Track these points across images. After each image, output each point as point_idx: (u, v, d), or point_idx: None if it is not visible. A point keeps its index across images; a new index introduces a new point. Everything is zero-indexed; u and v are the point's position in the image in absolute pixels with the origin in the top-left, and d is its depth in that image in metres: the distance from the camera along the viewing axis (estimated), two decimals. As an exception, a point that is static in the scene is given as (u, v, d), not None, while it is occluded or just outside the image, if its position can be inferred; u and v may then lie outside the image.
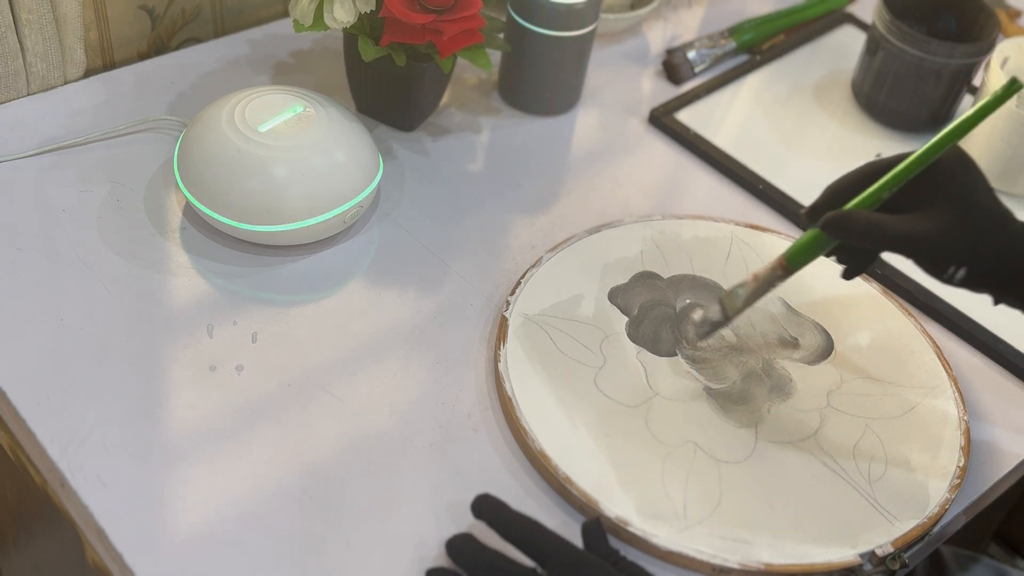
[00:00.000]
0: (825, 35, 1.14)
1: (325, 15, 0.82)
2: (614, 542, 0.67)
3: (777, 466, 0.72)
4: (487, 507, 0.63)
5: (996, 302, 0.69)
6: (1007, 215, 0.68)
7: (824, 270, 0.85)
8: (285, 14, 1.03)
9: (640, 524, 0.67)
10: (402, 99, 0.90)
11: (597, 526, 0.64)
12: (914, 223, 0.66)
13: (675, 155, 0.97)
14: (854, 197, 0.69)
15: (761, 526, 0.68)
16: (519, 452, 0.71)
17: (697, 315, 0.74)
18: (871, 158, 1.00)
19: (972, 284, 0.68)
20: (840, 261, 0.74)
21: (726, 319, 0.73)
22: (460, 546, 0.62)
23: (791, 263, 0.70)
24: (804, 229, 0.71)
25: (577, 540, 0.63)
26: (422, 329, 0.78)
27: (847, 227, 0.67)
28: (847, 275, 0.75)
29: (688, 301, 0.82)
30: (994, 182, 0.96)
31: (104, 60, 0.94)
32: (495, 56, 0.98)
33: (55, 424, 0.68)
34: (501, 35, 0.93)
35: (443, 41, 0.83)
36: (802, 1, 1.16)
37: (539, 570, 0.61)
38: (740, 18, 1.12)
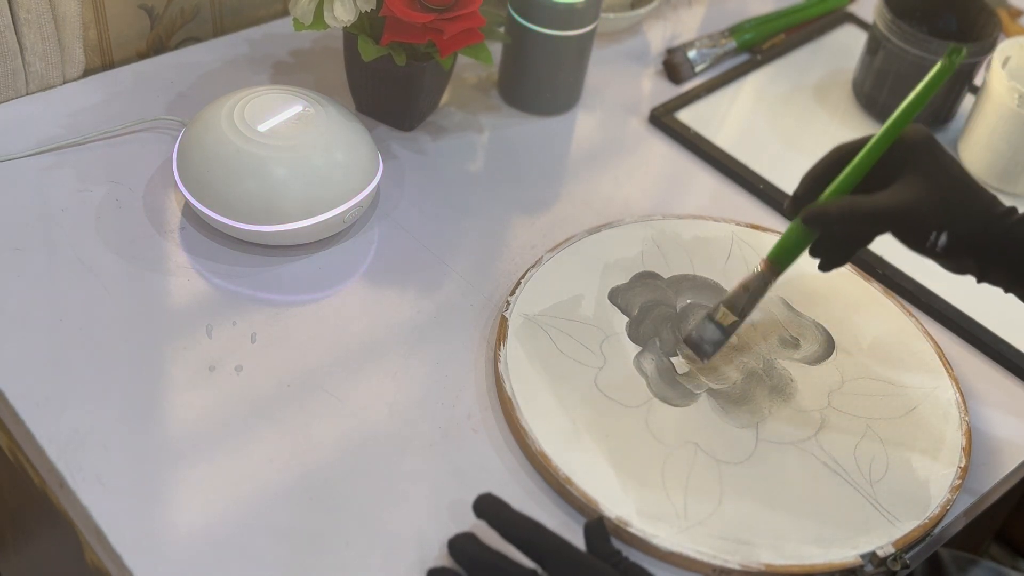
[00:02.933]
0: (826, 35, 1.13)
1: (325, 14, 0.82)
2: (615, 543, 0.67)
3: (778, 467, 0.72)
4: (488, 507, 0.63)
5: (980, 278, 0.71)
6: (974, 183, 0.69)
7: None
8: (284, 13, 1.03)
9: (640, 524, 0.67)
10: (402, 99, 0.90)
11: (600, 526, 0.64)
12: (888, 197, 0.68)
13: (675, 155, 0.96)
14: (828, 182, 0.71)
15: (762, 527, 0.68)
16: (519, 452, 0.71)
17: (695, 334, 0.74)
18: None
19: (955, 253, 0.69)
20: (815, 254, 0.75)
21: (726, 335, 0.74)
22: (462, 546, 0.62)
23: (777, 263, 0.72)
24: (790, 220, 0.73)
25: (577, 541, 0.63)
26: (422, 329, 0.78)
27: (824, 217, 0.69)
28: (823, 267, 0.75)
29: (689, 301, 0.81)
30: (994, 182, 0.97)
31: (103, 60, 0.94)
32: (496, 56, 0.98)
33: (54, 424, 0.68)
34: (502, 28, 0.93)
35: (443, 40, 0.83)
36: (802, 1, 1.16)
37: (539, 571, 0.61)
38: (740, 17, 1.12)
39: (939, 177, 0.68)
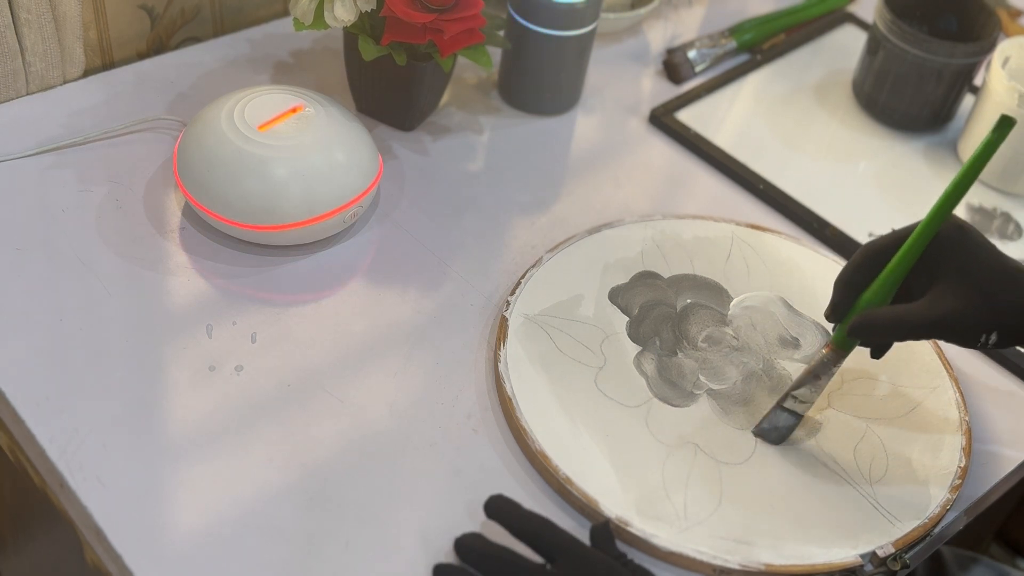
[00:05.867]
0: (826, 35, 1.13)
1: (325, 14, 0.82)
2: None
3: (778, 467, 0.72)
4: (499, 506, 0.64)
5: None
6: (1014, 268, 0.68)
7: (825, 270, 0.85)
8: (285, 13, 1.03)
9: (640, 525, 0.67)
10: (402, 99, 0.90)
11: (606, 529, 0.64)
12: (932, 308, 0.67)
13: (675, 155, 0.96)
14: (864, 284, 0.70)
15: (762, 527, 0.68)
16: (519, 452, 0.71)
17: (767, 424, 0.73)
18: (871, 158, 1.00)
19: (1006, 343, 0.68)
20: (866, 344, 0.74)
21: (798, 419, 0.73)
22: (469, 544, 0.62)
23: (842, 347, 0.71)
24: (831, 324, 0.73)
25: (581, 540, 0.63)
26: (422, 329, 0.78)
27: (872, 330, 0.69)
28: (875, 356, 0.75)
29: (689, 301, 0.81)
30: (994, 182, 0.97)
31: (103, 60, 0.94)
32: (495, 56, 0.98)
33: (54, 424, 0.68)
34: (502, 32, 0.93)
35: (444, 40, 0.83)
36: (802, 1, 1.16)
37: (548, 567, 0.61)
38: (740, 18, 1.12)
39: (979, 276, 0.67)
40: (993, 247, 0.69)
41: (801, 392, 0.72)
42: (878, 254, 0.70)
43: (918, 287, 0.69)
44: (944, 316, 0.67)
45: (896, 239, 0.69)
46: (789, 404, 0.72)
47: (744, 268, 0.84)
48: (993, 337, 0.67)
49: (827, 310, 0.72)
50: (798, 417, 0.73)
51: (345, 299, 0.79)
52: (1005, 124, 0.67)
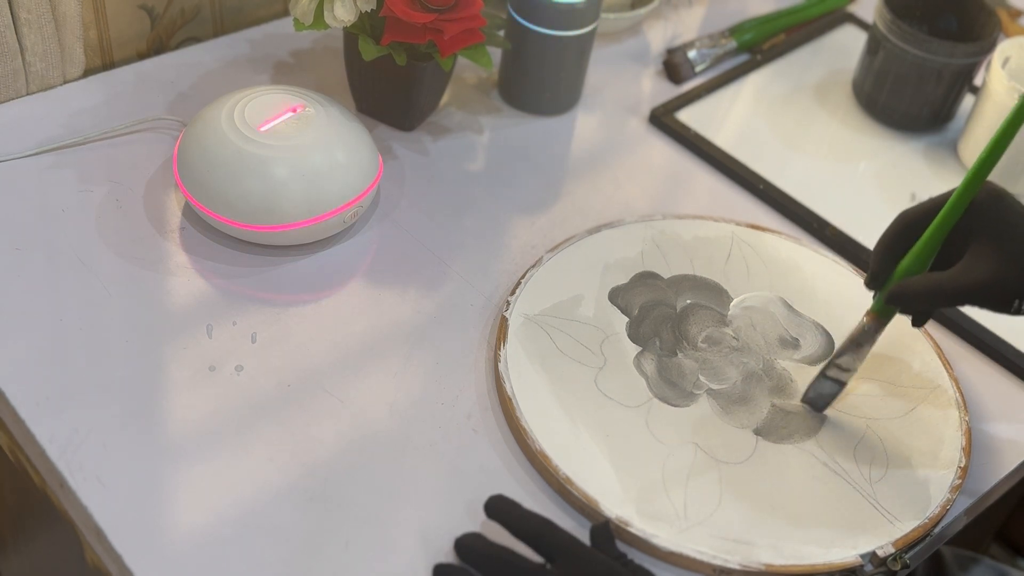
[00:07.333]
0: (826, 35, 1.13)
1: (326, 14, 0.82)
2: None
3: (778, 467, 0.72)
4: (500, 506, 0.64)
5: None
6: None
7: (825, 270, 0.85)
8: (285, 13, 1.03)
9: (640, 524, 0.67)
10: (402, 99, 0.90)
11: (605, 529, 0.64)
12: (967, 274, 0.68)
13: (675, 155, 0.96)
14: (902, 252, 0.71)
15: (762, 527, 0.68)
16: (519, 452, 0.71)
17: (812, 393, 0.75)
18: (871, 158, 1.00)
19: None
20: (906, 314, 0.75)
21: (842, 386, 0.75)
22: (470, 544, 0.63)
23: (882, 315, 0.73)
24: (871, 292, 0.74)
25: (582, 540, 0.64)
26: (422, 329, 0.78)
27: (909, 297, 0.70)
28: (916, 324, 0.76)
29: (689, 301, 0.81)
30: (994, 181, 0.97)
31: (103, 60, 0.94)
32: (495, 56, 0.98)
33: (54, 424, 0.68)
34: (502, 32, 0.93)
35: (444, 40, 0.83)
36: (802, 1, 1.16)
37: (548, 567, 0.61)
38: (741, 18, 1.12)
39: (1012, 243, 0.68)
40: None
41: (844, 360, 0.74)
42: (915, 222, 0.71)
43: (956, 253, 0.70)
44: (978, 283, 0.68)
45: (933, 206, 0.70)
46: (832, 373, 0.74)
47: (744, 268, 0.84)
48: None
49: (866, 278, 0.73)
50: (841, 385, 0.75)
51: (345, 299, 0.79)
52: None
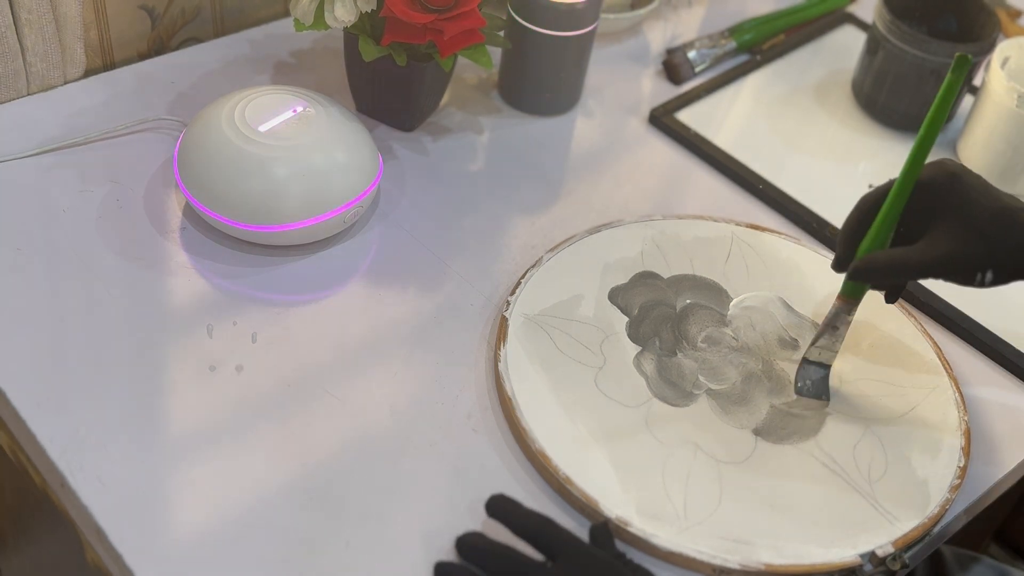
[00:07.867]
0: (825, 35, 1.14)
1: (326, 14, 0.82)
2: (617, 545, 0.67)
3: (777, 467, 0.72)
4: (500, 505, 0.64)
5: None
6: (1010, 208, 0.69)
7: (825, 270, 0.85)
8: (285, 14, 1.03)
9: (640, 524, 0.67)
10: (402, 99, 0.90)
11: (605, 529, 0.64)
12: (929, 249, 0.70)
13: (675, 155, 0.97)
14: (864, 234, 0.73)
15: (761, 526, 0.68)
16: (519, 452, 0.71)
17: (800, 383, 0.76)
18: (871, 158, 1.00)
19: (1002, 280, 0.70)
20: (878, 288, 0.77)
21: (827, 368, 0.76)
22: (471, 543, 0.63)
23: (851, 296, 0.74)
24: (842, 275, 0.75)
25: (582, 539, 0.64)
26: (422, 329, 0.78)
27: (870, 271, 0.72)
28: (888, 300, 0.78)
29: (688, 301, 0.81)
30: (994, 182, 0.97)
31: (104, 60, 0.94)
32: (495, 56, 0.98)
33: (55, 424, 0.68)
34: (502, 32, 0.93)
35: (444, 41, 0.83)
36: (802, 1, 1.16)
37: (549, 565, 0.61)
38: (740, 18, 1.12)
39: (974, 216, 0.69)
40: (989, 186, 0.71)
41: (823, 342, 0.75)
42: (874, 204, 0.73)
43: (918, 232, 0.71)
44: (940, 256, 0.69)
45: (888, 187, 0.72)
46: (814, 356, 0.76)
47: (744, 268, 0.84)
48: (989, 275, 0.69)
49: (832, 262, 0.75)
50: (826, 368, 0.76)
51: (345, 299, 0.79)
52: (962, 63, 0.70)
